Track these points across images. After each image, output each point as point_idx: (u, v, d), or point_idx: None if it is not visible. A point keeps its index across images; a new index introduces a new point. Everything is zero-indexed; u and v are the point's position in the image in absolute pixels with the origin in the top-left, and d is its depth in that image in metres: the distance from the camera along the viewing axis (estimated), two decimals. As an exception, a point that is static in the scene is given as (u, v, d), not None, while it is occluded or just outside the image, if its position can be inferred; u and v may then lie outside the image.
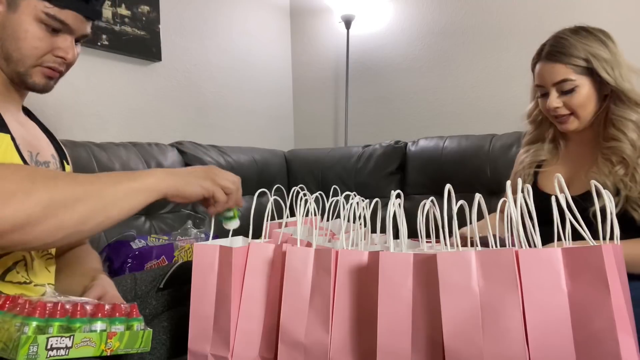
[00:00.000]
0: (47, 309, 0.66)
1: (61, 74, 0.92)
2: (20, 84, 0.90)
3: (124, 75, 2.00)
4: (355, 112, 2.66)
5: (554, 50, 1.17)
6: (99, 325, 0.69)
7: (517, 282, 0.62)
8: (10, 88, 0.91)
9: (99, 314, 0.71)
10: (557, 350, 0.60)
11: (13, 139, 0.84)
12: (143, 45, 2.02)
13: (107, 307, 0.72)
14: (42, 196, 0.64)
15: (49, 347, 0.63)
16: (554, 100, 1.17)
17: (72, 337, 0.66)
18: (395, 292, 0.68)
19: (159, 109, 2.15)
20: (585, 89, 1.15)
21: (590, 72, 1.14)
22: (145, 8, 2.02)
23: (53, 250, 0.95)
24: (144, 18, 2.02)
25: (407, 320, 0.67)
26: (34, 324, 0.64)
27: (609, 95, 1.16)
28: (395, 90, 2.56)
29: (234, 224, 0.93)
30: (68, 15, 0.86)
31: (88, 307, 0.70)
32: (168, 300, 1.03)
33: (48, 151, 0.97)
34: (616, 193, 1.10)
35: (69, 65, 0.92)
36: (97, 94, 1.90)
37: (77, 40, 0.92)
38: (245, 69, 2.56)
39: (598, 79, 1.14)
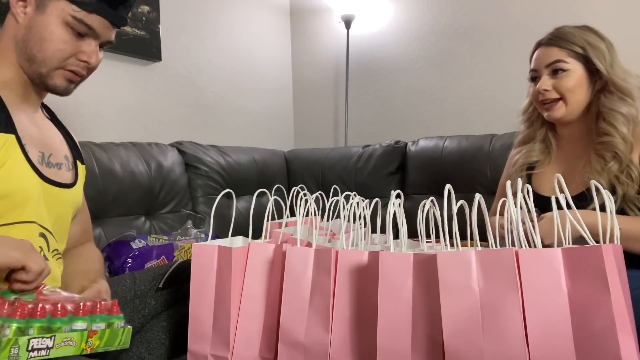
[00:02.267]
0: (27, 309, 0.66)
1: (82, 78, 0.92)
2: (41, 85, 0.90)
3: (124, 75, 2.00)
4: (355, 112, 2.66)
5: (553, 36, 1.20)
6: (79, 325, 0.70)
7: (517, 282, 0.62)
8: (29, 89, 0.91)
9: (80, 312, 0.71)
10: (557, 350, 0.60)
11: (19, 139, 0.85)
12: (143, 45, 2.02)
13: (88, 303, 0.72)
14: None
15: (29, 348, 0.64)
16: (544, 82, 1.19)
17: (53, 337, 0.66)
18: (395, 292, 0.68)
19: (159, 109, 2.14)
20: (576, 74, 1.17)
21: (585, 60, 1.16)
22: (145, 8, 2.02)
23: (61, 249, 0.95)
24: (144, 18, 2.02)
25: (407, 320, 0.67)
26: (15, 325, 0.64)
27: (600, 89, 1.17)
28: (395, 90, 2.56)
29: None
30: (94, 20, 0.87)
31: (69, 306, 0.70)
32: (167, 299, 1.03)
33: (61, 152, 0.97)
34: (612, 192, 1.09)
35: (91, 69, 0.92)
36: (97, 93, 1.90)
37: (101, 46, 0.93)
38: (245, 69, 2.56)
39: (592, 67, 1.16)
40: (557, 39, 1.19)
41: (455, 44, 2.38)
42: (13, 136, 0.84)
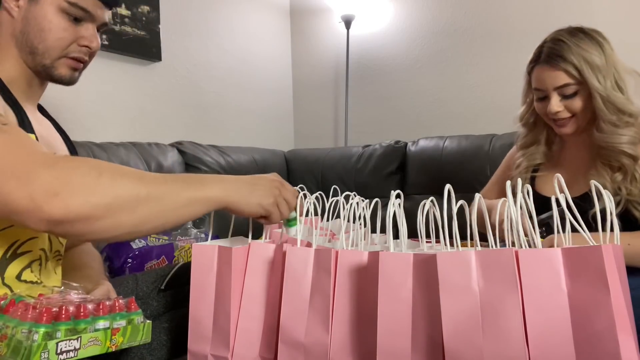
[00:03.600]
0: (52, 313, 0.67)
1: (85, 64, 0.92)
2: (46, 77, 0.90)
3: (124, 75, 2.00)
4: (355, 112, 2.66)
5: (552, 54, 1.15)
6: (102, 324, 0.71)
7: (517, 282, 0.62)
8: (32, 85, 0.91)
9: (101, 312, 0.72)
10: (557, 350, 0.60)
11: (37, 139, 0.84)
12: (143, 45, 2.02)
13: (108, 303, 0.73)
14: (106, 193, 0.65)
15: (59, 351, 0.65)
16: (556, 104, 1.15)
17: (79, 338, 0.67)
18: (395, 292, 0.68)
19: (159, 109, 2.14)
20: (586, 92, 1.13)
21: (585, 80, 1.13)
22: (145, 8, 2.02)
23: (62, 250, 0.95)
24: (144, 18, 2.02)
25: (407, 320, 0.67)
26: (42, 330, 0.64)
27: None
28: (395, 90, 2.56)
29: (294, 230, 0.90)
30: (88, 3, 0.87)
31: (90, 306, 0.71)
32: (169, 301, 1.03)
33: (62, 152, 0.97)
34: (616, 193, 1.09)
35: (92, 54, 0.92)
36: (97, 94, 1.90)
37: (98, 30, 0.92)
38: (245, 69, 2.56)
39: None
40: (556, 57, 1.14)
41: (456, 44, 2.38)
42: (33, 136, 0.84)
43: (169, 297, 1.03)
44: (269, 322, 0.81)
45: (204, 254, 0.85)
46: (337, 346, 0.74)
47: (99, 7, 0.90)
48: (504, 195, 1.35)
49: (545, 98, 1.19)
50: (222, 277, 0.83)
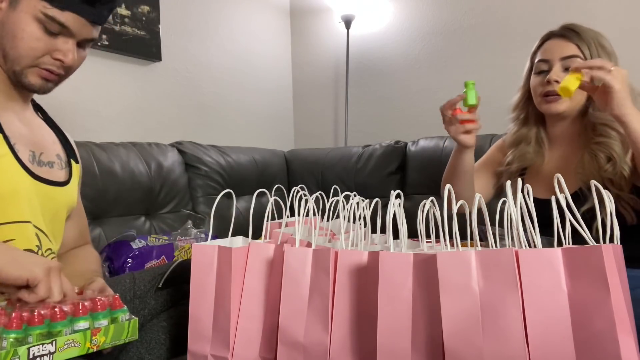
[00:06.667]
0: (24, 318, 0.65)
1: (60, 76, 0.89)
2: (17, 83, 0.88)
3: (124, 75, 2.00)
4: (355, 112, 2.66)
5: (569, 29, 1.19)
6: (81, 325, 0.69)
7: (517, 282, 0.61)
8: (16, 86, 0.90)
9: (80, 312, 0.70)
10: (557, 350, 0.60)
11: (7, 138, 0.83)
12: (143, 45, 2.02)
13: (86, 303, 0.71)
14: None
15: (31, 356, 0.63)
16: (556, 73, 1.16)
17: (54, 342, 0.65)
18: (395, 292, 0.68)
19: (159, 109, 2.14)
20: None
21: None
22: (145, 8, 2.02)
23: (55, 249, 0.94)
24: (144, 18, 2.02)
25: (407, 320, 0.67)
26: (12, 336, 0.63)
27: None
28: (395, 90, 2.56)
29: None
30: (69, 18, 0.83)
31: (66, 308, 0.69)
32: (167, 299, 1.03)
33: (53, 151, 0.96)
34: (605, 186, 1.09)
35: (68, 68, 0.88)
36: (97, 94, 1.90)
37: (81, 44, 0.89)
38: (245, 69, 2.56)
39: None
40: (573, 33, 1.17)
41: (456, 44, 2.38)
42: (0, 135, 0.83)
43: (167, 296, 1.03)
44: (269, 322, 0.81)
45: (204, 254, 0.85)
46: (336, 346, 0.74)
47: (81, 24, 0.85)
48: (501, 189, 1.35)
49: (545, 71, 1.19)
50: (222, 277, 0.83)
